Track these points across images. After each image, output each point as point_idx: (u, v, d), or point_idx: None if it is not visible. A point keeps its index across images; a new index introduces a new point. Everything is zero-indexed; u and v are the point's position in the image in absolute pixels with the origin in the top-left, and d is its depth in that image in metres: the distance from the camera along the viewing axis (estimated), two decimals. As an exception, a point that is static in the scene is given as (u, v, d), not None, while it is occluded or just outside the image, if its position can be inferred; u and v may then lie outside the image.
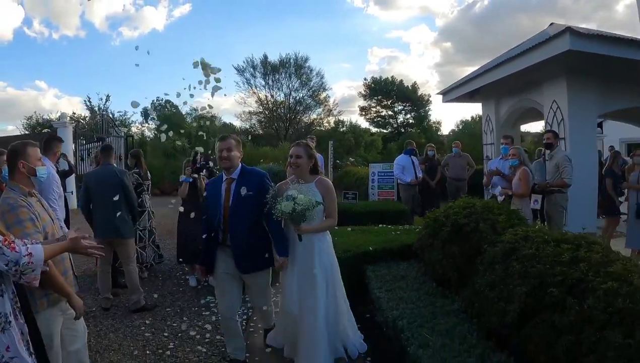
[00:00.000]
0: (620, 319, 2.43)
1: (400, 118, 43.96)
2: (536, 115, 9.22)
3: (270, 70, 39.91)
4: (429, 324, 3.85)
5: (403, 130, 41.54)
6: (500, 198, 6.56)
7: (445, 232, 4.87)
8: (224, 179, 4.24)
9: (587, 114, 7.42)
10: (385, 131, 42.96)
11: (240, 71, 40.45)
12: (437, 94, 13.08)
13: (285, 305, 4.29)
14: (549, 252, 3.31)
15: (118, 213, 5.68)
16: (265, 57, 40.20)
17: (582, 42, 6.40)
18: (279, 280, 4.59)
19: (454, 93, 11.10)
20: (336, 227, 8.11)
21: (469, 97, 10.70)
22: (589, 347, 2.51)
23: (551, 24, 8.04)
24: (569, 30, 6.29)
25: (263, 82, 40.61)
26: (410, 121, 43.41)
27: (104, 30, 62.26)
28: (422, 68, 69.55)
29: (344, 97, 66.78)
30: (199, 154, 7.51)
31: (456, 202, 5.34)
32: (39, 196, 3.27)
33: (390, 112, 43.82)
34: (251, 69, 40.42)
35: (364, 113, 44.18)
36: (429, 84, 68.45)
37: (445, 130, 44.02)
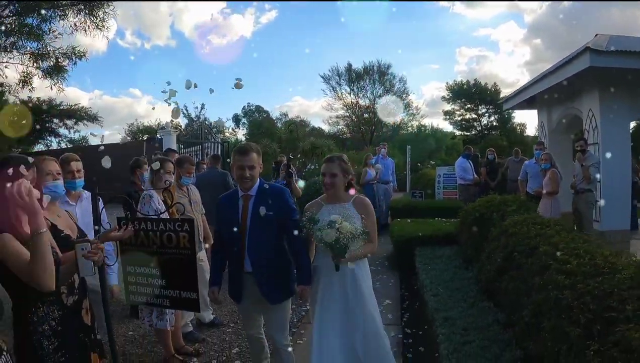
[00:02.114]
0: (542, 269, 3.56)
1: (484, 120, 42.84)
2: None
3: (354, 77, 41.32)
4: (445, 284, 5.11)
5: (487, 133, 40.48)
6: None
7: (470, 220, 6.08)
8: (240, 195, 3.47)
9: (619, 121, 7.92)
10: (468, 134, 41.90)
11: (326, 79, 42.31)
12: (499, 102, 13.67)
13: (322, 350, 3.40)
14: (524, 230, 4.44)
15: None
16: (350, 65, 41.67)
17: (601, 58, 7.04)
18: (310, 317, 3.77)
19: (512, 101, 11.79)
20: (398, 219, 9.50)
21: (527, 104, 11.38)
22: (525, 290, 3.67)
23: (596, 35, 8.69)
24: (589, 49, 7.07)
25: (348, 89, 42.11)
26: (494, 124, 42.13)
27: (194, 39, 65.88)
28: (512, 67, 66.90)
29: (433, 99, 65.79)
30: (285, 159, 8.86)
31: (483, 198, 6.52)
32: (190, 188, 5.05)
33: (473, 115, 42.90)
34: (336, 77, 42.09)
35: (448, 116, 43.67)
36: (520, 83, 65.96)
37: (530, 131, 42.55)
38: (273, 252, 3.40)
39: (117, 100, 66.52)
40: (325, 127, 45.08)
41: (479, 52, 67.10)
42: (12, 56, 8.28)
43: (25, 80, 9.49)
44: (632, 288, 2.51)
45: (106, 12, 7.70)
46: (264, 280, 3.40)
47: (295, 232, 3.36)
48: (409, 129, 40.57)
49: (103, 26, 7.67)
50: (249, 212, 3.37)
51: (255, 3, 65.36)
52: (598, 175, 7.30)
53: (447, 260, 6.23)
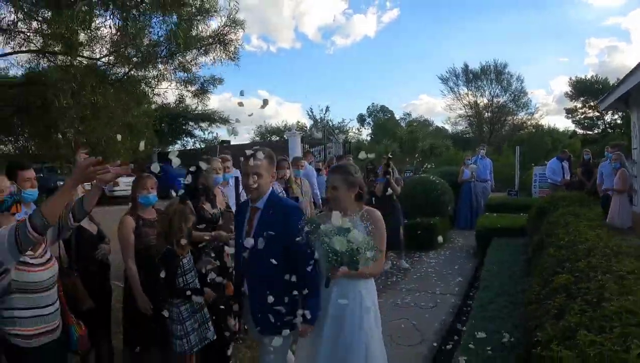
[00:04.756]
0: (549, 245, 4.39)
1: (608, 118, 39.09)
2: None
3: (471, 77, 40.61)
4: (501, 264, 6.00)
5: (611, 131, 37.19)
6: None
7: (534, 213, 6.82)
8: (249, 206, 3.05)
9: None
10: (590, 133, 38.87)
11: (443, 80, 42.01)
12: (595, 103, 13.17)
13: None
14: (557, 219, 5.25)
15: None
16: (466, 65, 40.88)
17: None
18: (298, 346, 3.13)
19: (606, 101, 11.51)
20: (486, 213, 10.18)
21: (624, 104, 11.13)
22: (539, 262, 4.51)
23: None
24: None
25: (466, 90, 41.44)
26: (618, 121, 37.76)
27: (318, 40, 66.02)
28: (647, 58, 60.85)
29: (563, 95, 61.87)
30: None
31: (550, 195, 7.18)
32: (302, 180, 6.62)
33: (597, 113, 39.08)
34: (454, 78, 41.57)
35: (570, 115, 40.93)
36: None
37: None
38: (273, 277, 2.82)
39: (246, 102, 68.82)
40: (449, 127, 44.83)
41: (610, 42, 61.18)
42: (170, 83, 10.53)
43: (180, 101, 12.04)
44: (584, 254, 3.38)
45: (237, 47, 9.53)
46: (257, 307, 2.94)
47: (306, 262, 2.77)
48: (529, 128, 38.86)
49: (235, 57, 9.51)
50: (254, 226, 2.95)
51: (376, 2, 65.97)
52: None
53: (515, 248, 7.00)
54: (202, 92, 11.40)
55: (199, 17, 9.23)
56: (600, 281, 2.67)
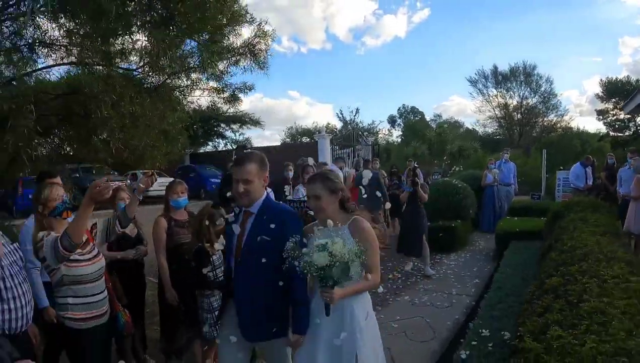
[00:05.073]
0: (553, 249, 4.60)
1: (639, 120, 37.39)
2: None
3: (501, 79, 40.37)
4: (515, 266, 6.19)
5: None
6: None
7: (550, 217, 6.99)
8: (242, 210, 2.95)
9: None
10: (621, 135, 36.90)
11: (472, 82, 41.84)
12: (619, 109, 12.94)
13: None
14: (568, 224, 5.44)
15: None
16: (495, 67, 40.70)
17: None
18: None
19: (631, 104, 11.37)
20: (507, 217, 10.31)
21: None
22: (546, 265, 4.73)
23: None
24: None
25: (495, 91, 41.20)
26: None
27: (349, 41, 66.94)
28: (684, 58, 58.87)
29: (596, 95, 60.51)
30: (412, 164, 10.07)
31: (567, 200, 7.32)
32: None
33: (628, 115, 37.99)
34: (483, 80, 41.42)
35: (601, 116, 39.88)
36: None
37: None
38: (264, 284, 2.77)
39: (277, 103, 71.09)
40: (479, 128, 44.46)
41: (644, 41, 59.59)
42: (202, 92, 11.02)
43: (212, 108, 12.59)
44: (579, 259, 3.61)
45: (266, 57, 9.89)
46: (246, 314, 2.84)
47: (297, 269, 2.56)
48: (559, 130, 38.22)
49: (264, 66, 9.89)
50: (246, 231, 2.86)
51: (406, 2, 65.73)
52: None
53: (532, 251, 7.13)
54: (233, 98, 11.89)
55: (229, 28, 9.68)
56: (585, 284, 2.92)
